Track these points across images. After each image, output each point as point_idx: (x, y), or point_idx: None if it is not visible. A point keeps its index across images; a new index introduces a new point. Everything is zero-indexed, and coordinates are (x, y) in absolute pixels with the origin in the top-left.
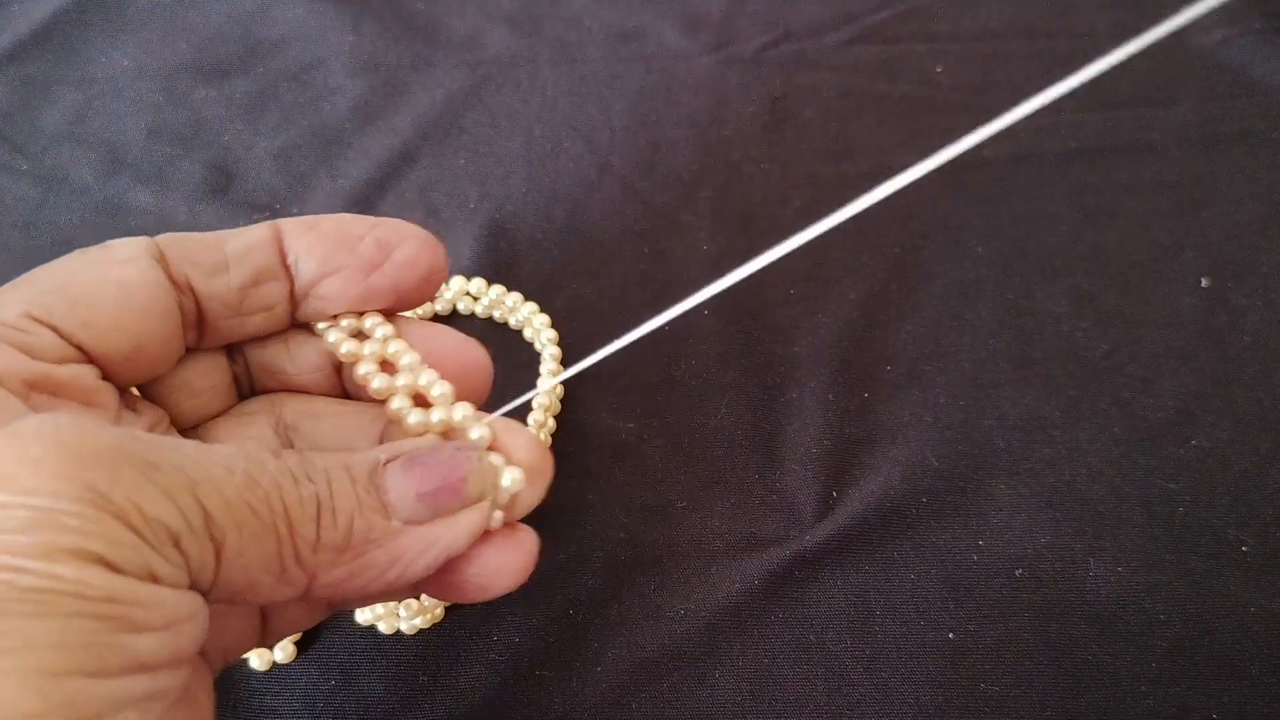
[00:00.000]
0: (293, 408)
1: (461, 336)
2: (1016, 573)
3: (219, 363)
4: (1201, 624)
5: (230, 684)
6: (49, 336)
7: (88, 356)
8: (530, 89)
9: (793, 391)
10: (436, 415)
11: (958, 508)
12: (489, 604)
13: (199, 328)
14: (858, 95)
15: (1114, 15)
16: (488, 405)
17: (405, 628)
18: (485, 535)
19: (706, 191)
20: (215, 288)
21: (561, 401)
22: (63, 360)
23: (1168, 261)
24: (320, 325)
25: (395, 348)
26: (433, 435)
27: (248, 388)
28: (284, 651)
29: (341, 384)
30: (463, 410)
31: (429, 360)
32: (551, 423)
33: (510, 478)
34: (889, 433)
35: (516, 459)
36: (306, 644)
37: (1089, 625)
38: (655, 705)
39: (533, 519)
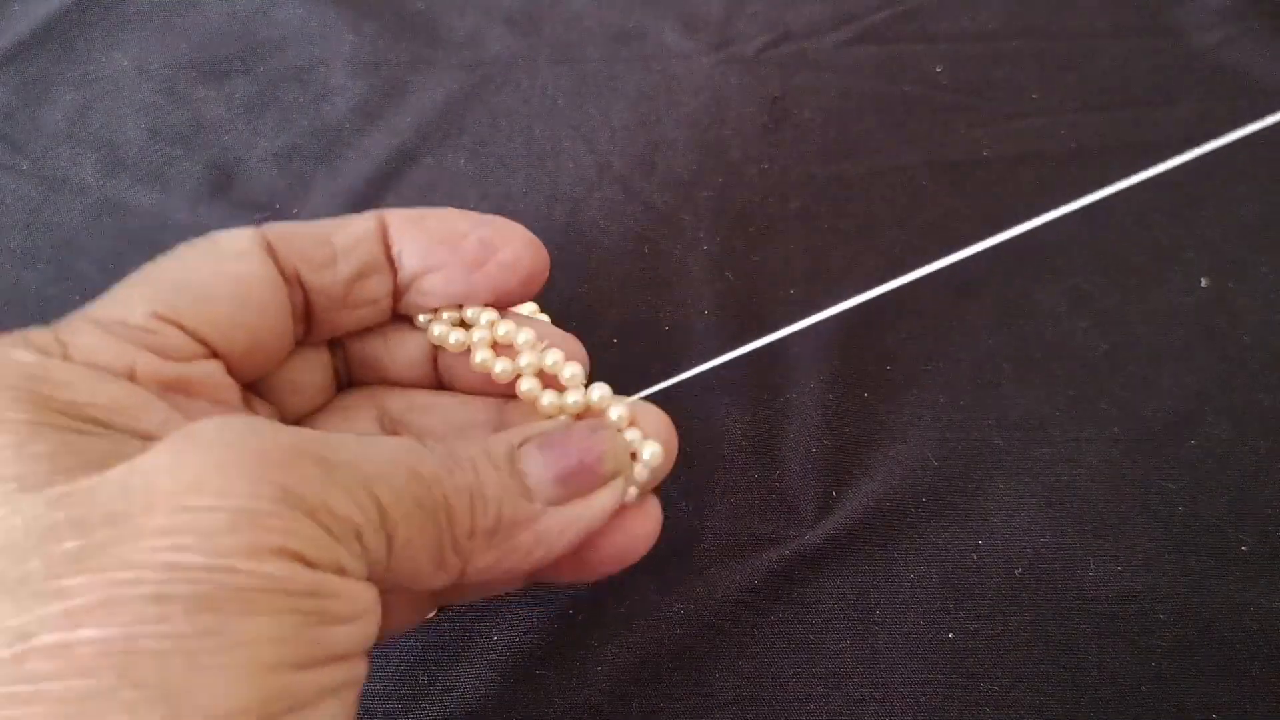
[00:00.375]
0: (395, 401)
1: (560, 332)
2: (1016, 572)
3: (323, 358)
4: (1201, 624)
5: None
6: (177, 336)
7: (213, 353)
8: (530, 89)
9: (793, 391)
10: (572, 398)
11: (958, 507)
12: (489, 604)
13: (306, 321)
14: (858, 95)
15: (1114, 15)
16: None
17: None
18: (620, 508)
19: (706, 191)
20: (323, 281)
21: None
22: (192, 358)
23: (1168, 261)
24: (421, 318)
25: (505, 329)
26: (564, 416)
27: (345, 381)
28: None
29: (438, 377)
30: (599, 391)
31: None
32: None
33: (650, 451)
34: (889, 433)
35: (652, 435)
36: None
37: (1089, 625)
38: (655, 705)
39: None
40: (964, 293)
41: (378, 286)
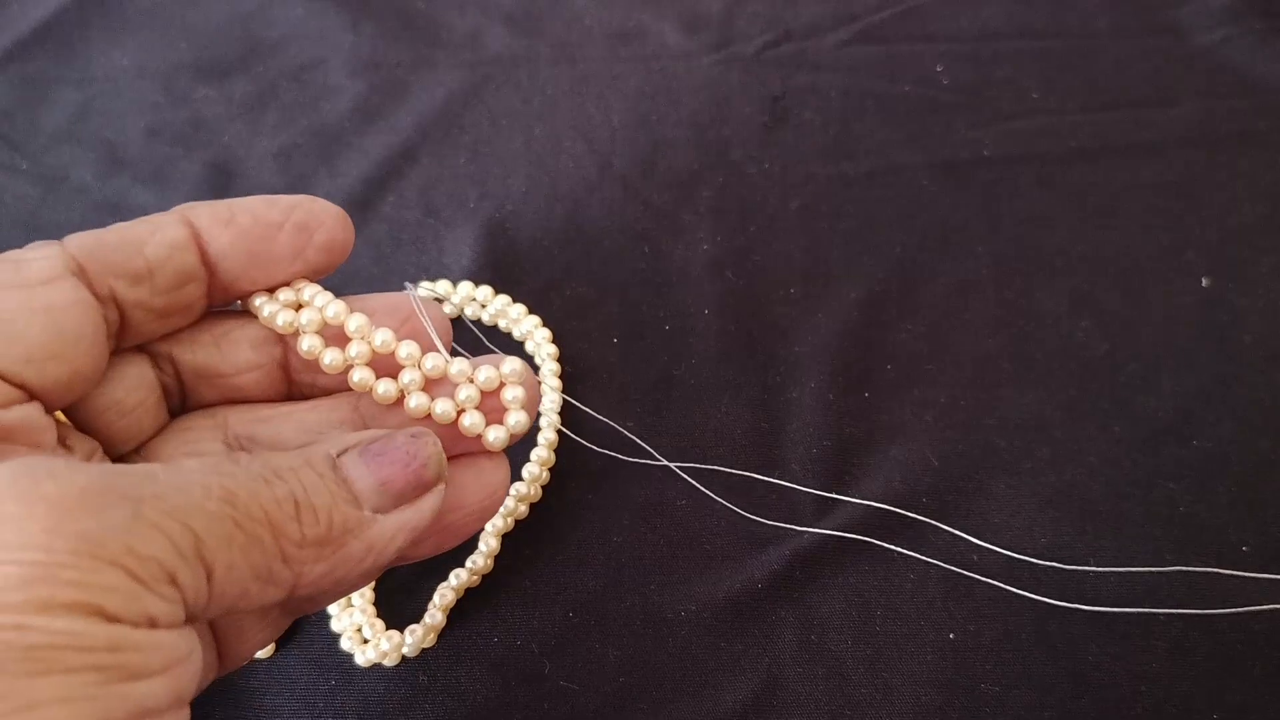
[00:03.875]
0: (239, 417)
1: (393, 296)
2: (1016, 572)
3: (145, 375)
4: (1201, 624)
5: (230, 683)
6: None
7: (30, 393)
8: (530, 89)
9: (793, 391)
10: (414, 400)
11: (958, 507)
12: (489, 605)
13: (119, 335)
14: (858, 95)
15: (1114, 15)
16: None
17: (409, 652)
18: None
19: (706, 191)
20: (139, 296)
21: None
22: (8, 404)
23: (1168, 261)
24: (258, 301)
25: (335, 310)
26: (377, 428)
27: (179, 401)
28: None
29: (288, 385)
30: (433, 360)
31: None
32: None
33: (515, 419)
34: (889, 433)
35: (515, 387)
36: (308, 643)
37: (1089, 625)
38: (656, 706)
39: (533, 519)
40: (964, 293)
41: (194, 292)
